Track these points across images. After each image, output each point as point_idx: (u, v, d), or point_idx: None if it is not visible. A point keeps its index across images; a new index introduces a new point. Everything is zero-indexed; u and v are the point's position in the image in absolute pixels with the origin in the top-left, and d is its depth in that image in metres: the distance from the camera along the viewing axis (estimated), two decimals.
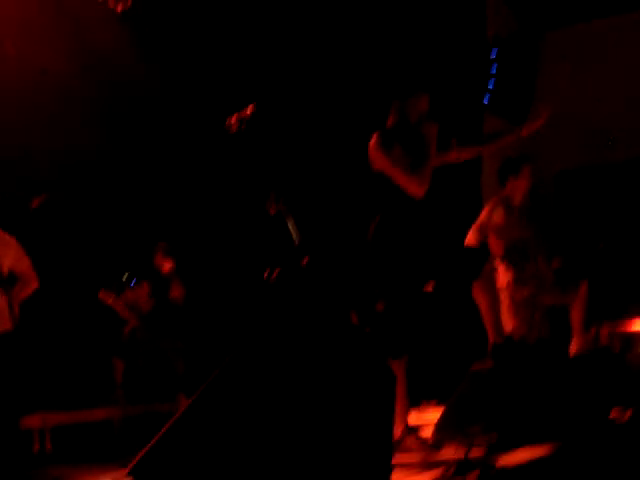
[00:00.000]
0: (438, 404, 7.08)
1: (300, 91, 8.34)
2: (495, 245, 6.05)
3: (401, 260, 4.56)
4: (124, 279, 8.13)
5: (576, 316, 5.96)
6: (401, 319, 4.59)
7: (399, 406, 4.50)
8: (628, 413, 4.98)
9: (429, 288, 4.70)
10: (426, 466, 3.77)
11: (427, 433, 4.60)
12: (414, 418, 4.98)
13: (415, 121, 4.70)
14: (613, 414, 4.87)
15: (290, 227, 3.80)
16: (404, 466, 3.86)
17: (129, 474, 3.00)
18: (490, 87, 9.87)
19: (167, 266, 7.97)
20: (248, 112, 4.03)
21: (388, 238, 4.58)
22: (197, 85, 8.02)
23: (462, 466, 3.35)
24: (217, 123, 4.18)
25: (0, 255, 5.34)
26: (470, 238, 6.09)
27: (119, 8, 7.15)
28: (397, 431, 4.47)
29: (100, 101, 7.60)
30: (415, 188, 4.52)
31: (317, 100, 8.43)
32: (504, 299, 6.10)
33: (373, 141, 4.60)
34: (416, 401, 7.90)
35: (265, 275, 3.74)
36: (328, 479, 2.94)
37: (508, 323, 6.04)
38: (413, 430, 4.52)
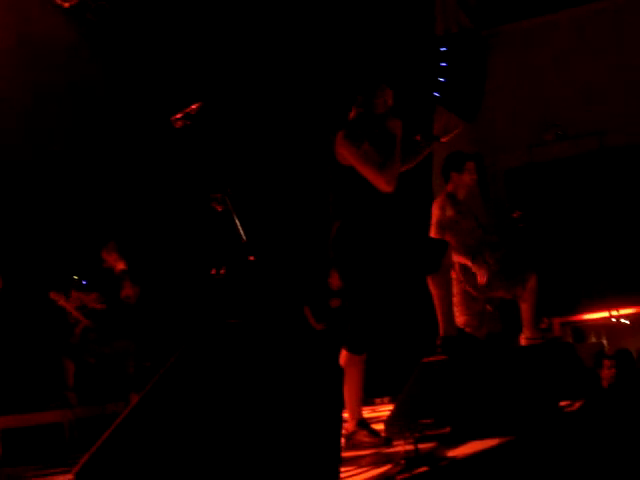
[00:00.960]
0: (391, 401, 7.11)
1: (250, 86, 8.30)
2: (451, 240, 6.09)
3: (364, 256, 4.55)
4: (75, 279, 8.04)
5: (526, 308, 6.01)
6: (364, 315, 4.57)
7: (355, 400, 4.50)
8: (578, 403, 5.03)
9: (384, 282, 4.70)
10: (377, 461, 3.76)
11: (379, 427, 4.60)
12: (366, 414, 4.98)
13: (381, 114, 4.69)
14: (563, 404, 4.92)
15: (237, 224, 3.77)
16: (354, 460, 3.85)
17: (75, 478, 2.95)
18: (441, 82, 9.94)
19: (118, 266, 7.90)
20: (194, 107, 3.98)
21: (352, 235, 4.56)
22: (143, 81, 7.95)
23: (412, 460, 3.34)
24: (162, 119, 4.13)
25: None
26: (433, 236, 6.10)
27: (66, 4, 7.06)
28: (349, 425, 4.47)
29: (44, 97, 7.49)
30: (384, 184, 4.51)
31: (267, 95, 8.40)
32: (456, 293, 6.13)
33: (341, 135, 4.57)
34: (369, 398, 7.95)
35: (213, 272, 3.70)
36: (276, 473, 2.92)
37: (459, 317, 6.07)
38: (365, 425, 4.51)
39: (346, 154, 4.53)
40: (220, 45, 8.10)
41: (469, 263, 6.02)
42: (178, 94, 6.27)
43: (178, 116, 4.00)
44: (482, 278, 6.00)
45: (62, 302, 7.61)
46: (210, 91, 6.95)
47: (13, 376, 7.48)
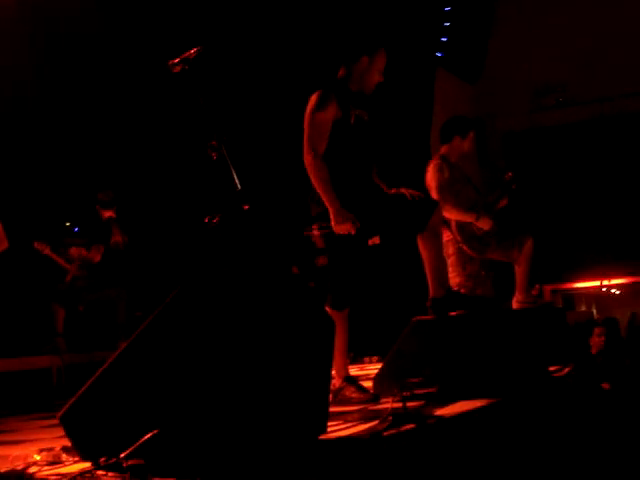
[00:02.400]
0: (379, 361, 7.11)
1: (249, 31, 8.19)
2: (450, 200, 6.02)
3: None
4: (67, 226, 8.02)
5: (520, 271, 5.98)
6: (346, 270, 4.54)
7: (339, 357, 4.48)
8: (567, 368, 5.05)
9: (374, 241, 4.65)
10: (364, 417, 3.75)
11: (367, 385, 4.59)
12: (355, 372, 4.98)
13: (374, 78, 4.59)
14: (552, 368, 4.92)
15: (232, 172, 3.72)
16: (341, 415, 3.84)
17: (60, 421, 2.94)
18: (443, 42, 9.83)
19: (105, 213, 7.87)
20: (192, 52, 3.90)
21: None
22: (141, 24, 7.85)
23: (399, 417, 3.33)
24: (160, 64, 4.04)
25: None
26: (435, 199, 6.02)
27: None
28: (336, 382, 4.45)
29: (39, 42, 7.41)
30: (306, 158, 4.40)
31: (266, 41, 8.29)
32: (452, 254, 6.10)
33: (314, 96, 4.48)
34: (358, 357, 7.97)
35: (206, 220, 3.65)
36: (264, 426, 2.90)
37: (454, 278, 6.04)
38: (353, 381, 4.50)
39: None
40: None
41: (473, 220, 5.96)
42: (176, 38, 6.18)
43: (176, 61, 3.92)
44: (486, 225, 5.94)
45: (47, 252, 7.60)
46: (209, 36, 6.85)
47: (2, 321, 7.46)
